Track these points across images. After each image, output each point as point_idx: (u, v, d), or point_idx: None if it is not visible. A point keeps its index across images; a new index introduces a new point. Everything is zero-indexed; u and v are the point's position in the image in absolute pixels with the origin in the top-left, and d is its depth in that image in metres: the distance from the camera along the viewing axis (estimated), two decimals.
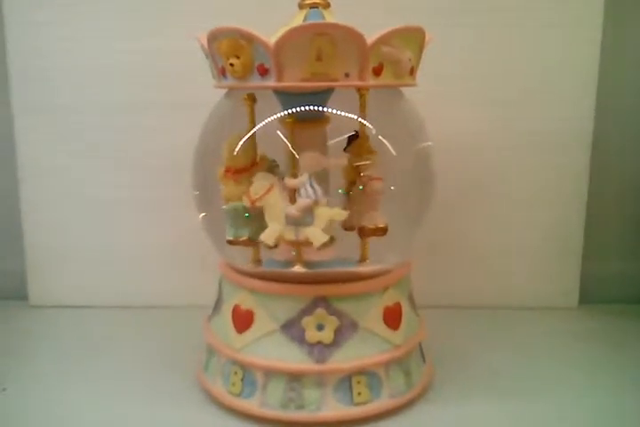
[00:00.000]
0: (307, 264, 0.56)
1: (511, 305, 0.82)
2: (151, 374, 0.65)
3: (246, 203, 0.54)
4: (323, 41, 0.49)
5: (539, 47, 0.76)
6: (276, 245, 0.56)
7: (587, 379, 0.64)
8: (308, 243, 0.53)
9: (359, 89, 0.55)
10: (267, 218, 0.54)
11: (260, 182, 0.54)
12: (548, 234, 0.81)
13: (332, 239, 0.54)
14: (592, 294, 0.84)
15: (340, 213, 0.53)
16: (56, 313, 0.84)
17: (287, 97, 0.56)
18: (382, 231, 0.56)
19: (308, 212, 0.52)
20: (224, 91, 0.60)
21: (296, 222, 0.52)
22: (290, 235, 0.53)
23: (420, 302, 0.66)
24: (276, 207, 0.53)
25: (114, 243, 0.84)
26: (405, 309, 0.60)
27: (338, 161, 0.56)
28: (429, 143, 0.60)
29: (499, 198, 0.80)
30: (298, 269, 0.56)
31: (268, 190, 0.53)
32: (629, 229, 0.84)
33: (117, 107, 0.80)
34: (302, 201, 0.52)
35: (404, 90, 0.60)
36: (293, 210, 0.52)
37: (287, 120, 0.57)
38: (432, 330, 0.67)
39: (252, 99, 0.55)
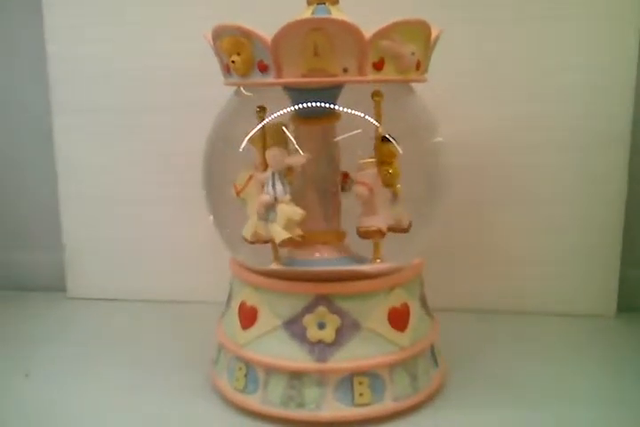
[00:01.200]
0: (309, 263, 0.56)
1: (542, 311, 0.79)
2: (167, 366, 0.67)
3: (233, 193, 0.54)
4: (319, 36, 0.48)
5: (572, 42, 0.73)
6: (253, 242, 0.56)
7: (610, 392, 0.60)
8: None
9: (374, 95, 0.54)
10: (248, 211, 0.54)
11: (242, 173, 0.54)
12: (583, 237, 0.77)
13: (302, 237, 0.55)
14: (632, 302, 0.79)
15: (295, 213, 0.53)
16: (90, 305, 0.87)
17: (294, 93, 0.56)
18: (377, 234, 0.55)
19: (271, 208, 0.52)
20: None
21: (263, 218, 0.52)
22: (261, 230, 0.52)
23: (439, 304, 0.64)
24: (254, 200, 0.53)
25: (145, 239, 0.86)
26: (414, 310, 0.58)
27: (296, 159, 0.54)
28: (440, 139, 0.58)
29: (528, 199, 0.77)
30: (274, 266, 0.56)
31: (247, 182, 0.53)
32: None
33: (151, 108, 0.82)
34: (261, 197, 0.52)
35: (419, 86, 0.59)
36: (256, 205, 0.52)
37: (293, 116, 0.57)
38: (451, 334, 0.65)
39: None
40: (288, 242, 0.53)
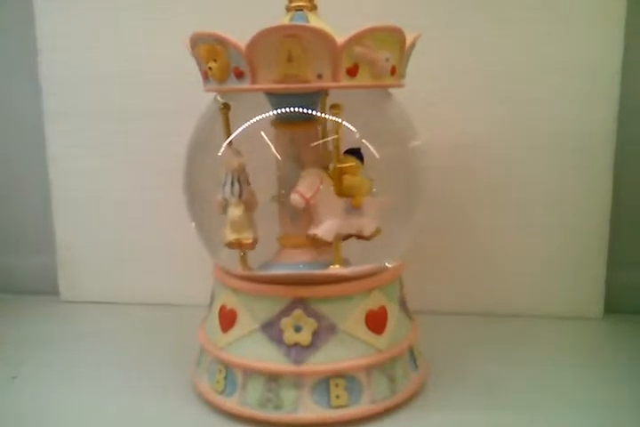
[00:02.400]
0: (287, 267, 0.57)
1: (527, 313, 0.79)
2: (153, 368, 0.67)
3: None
4: (292, 43, 0.49)
5: (558, 45, 0.73)
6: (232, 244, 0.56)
7: (597, 394, 0.60)
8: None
9: (332, 107, 0.54)
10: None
11: None
12: (569, 239, 0.77)
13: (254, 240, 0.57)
14: (619, 304, 0.79)
15: (234, 215, 0.55)
16: (84, 308, 0.88)
17: (273, 98, 0.57)
18: (320, 242, 0.56)
19: (224, 210, 0.53)
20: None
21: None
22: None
23: (421, 307, 0.64)
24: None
25: (136, 243, 0.87)
26: (393, 313, 0.59)
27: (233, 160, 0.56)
28: (417, 143, 0.59)
29: (514, 201, 0.77)
30: (240, 271, 0.58)
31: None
32: None
33: (142, 113, 0.83)
34: (214, 197, 0.54)
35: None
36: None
37: (274, 121, 0.58)
38: (438, 337, 0.66)
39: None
40: (235, 244, 0.55)
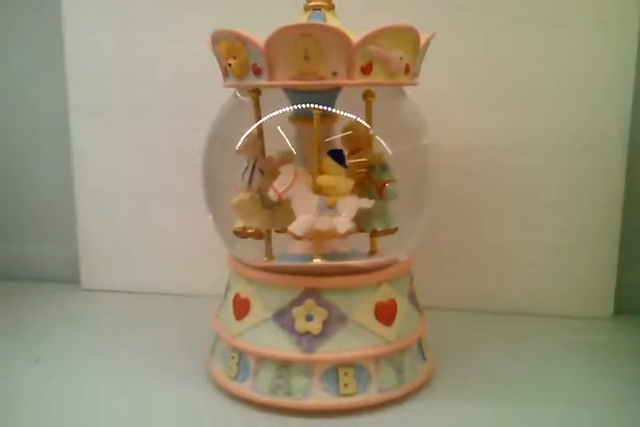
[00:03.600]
0: (301, 258, 0.59)
1: (537, 312, 0.80)
2: (168, 355, 0.70)
3: None
4: (308, 41, 0.51)
5: (572, 45, 0.74)
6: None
7: (603, 393, 0.61)
8: None
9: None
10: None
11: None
12: (580, 238, 0.78)
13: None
14: (629, 304, 0.79)
15: (235, 199, 0.60)
16: (104, 297, 0.91)
17: (291, 94, 0.59)
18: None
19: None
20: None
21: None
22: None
23: (434, 303, 0.66)
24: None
25: (155, 234, 0.90)
26: (402, 306, 0.60)
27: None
28: (428, 141, 0.60)
29: (526, 200, 0.78)
30: (263, 261, 0.61)
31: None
32: None
33: (163, 109, 0.85)
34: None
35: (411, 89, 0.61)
36: None
37: (292, 117, 0.60)
38: (447, 332, 0.67)
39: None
40: (241, 233, 0.58)
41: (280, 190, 0.56)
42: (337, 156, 0.57)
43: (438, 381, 0.63)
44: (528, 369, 0.66)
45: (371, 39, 0.51)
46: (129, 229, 0.91)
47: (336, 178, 0.57)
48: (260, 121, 0.60)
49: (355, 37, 0.51)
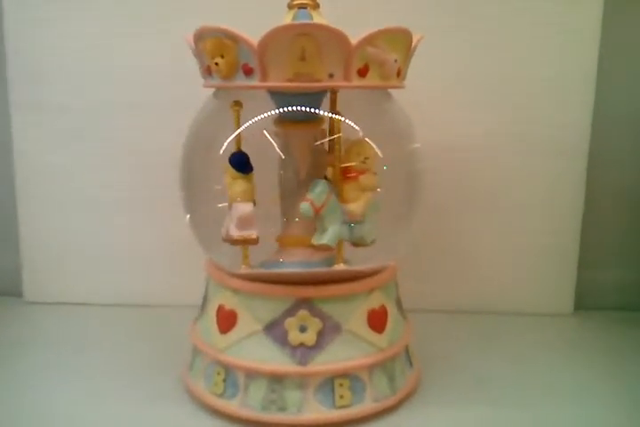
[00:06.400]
0: (290, 265, 0.56)
1: (503, 310, 0.81)
2: (138, 372, 0.65)
3: None
4: (306, 41, 0.48)
5: (537, 53, 0.76)
6: None
7: (576, 387, 0.63)
8: None
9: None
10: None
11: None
12: (544, 239, 0.80)
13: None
14: (588, 301, 0.83)
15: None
16: (51, 310, 0.84)
17: (279, 97, 0.56)
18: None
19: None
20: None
21: None
22: None
23: (409, 305, 0.65)
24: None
25: (109, 241, 0.84)
26: (391, 312, 0.59)
27: None
28: (417, 145, 0.59)
29: (493, 202, 0.80)
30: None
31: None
32: (626, 236, 0.83)
33: (115, 106, 0.80)
34: None
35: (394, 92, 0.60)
36: None
37: (278, 120, 0.57)
38: (421, 334, 0.66)
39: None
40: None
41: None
42: (237, 162, 0.55)
43: (425, 385, 0.62)
44: (504, 367, 0.67)
45: (369, 40, 0.50)
46: (76, 235, 0.84)
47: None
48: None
49: (352, 38, 0.49)
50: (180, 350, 0.67)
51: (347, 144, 0.55)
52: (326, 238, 0.55)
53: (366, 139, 0.56)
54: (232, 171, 0.56)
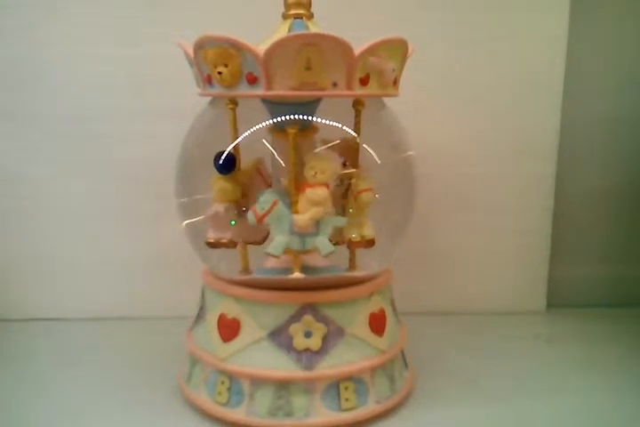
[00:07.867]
0: (282, 271, 0.58)
1: (482, 310, 0.85)
2: (130, 387, 0.64)
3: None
4: (312, 51, 0.49)
5: (507, 60, 0.79)
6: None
7: (562, 381, 0.66)
8: None
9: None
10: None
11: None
12: (517, 240, 0.84)
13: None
14: (560, 298, 0.87)
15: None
16: (25, 327, 0.81)
17: (275, 106, 0.57)
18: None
19: None
20: (208, 99, 0.60)
21: None
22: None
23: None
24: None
25: (82, 251, 0.82)
26: (389, 314, 0.61)
27: None
28: (411, 153, 0.61)
29: (468, 206, 0.82)
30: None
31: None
32: (596, 234, 0.87)
33: (100, 115, 0.78)
34: None
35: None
36: None
37: (274, 129, 0.58)
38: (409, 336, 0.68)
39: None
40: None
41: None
42: (215, 161, 0.56)
43: (421, 385, 0.64)
44: (487, 365, 0.70)
45: (372, 50, 0.51)
46: (50, 247, 0.82)
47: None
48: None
49: (355, 48, 0.50)
50: (165, 362, 0.67)
51: (308, 156, 0.56)
52: (271, 248, 0.55)
53: (321, 152, 0.57)
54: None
